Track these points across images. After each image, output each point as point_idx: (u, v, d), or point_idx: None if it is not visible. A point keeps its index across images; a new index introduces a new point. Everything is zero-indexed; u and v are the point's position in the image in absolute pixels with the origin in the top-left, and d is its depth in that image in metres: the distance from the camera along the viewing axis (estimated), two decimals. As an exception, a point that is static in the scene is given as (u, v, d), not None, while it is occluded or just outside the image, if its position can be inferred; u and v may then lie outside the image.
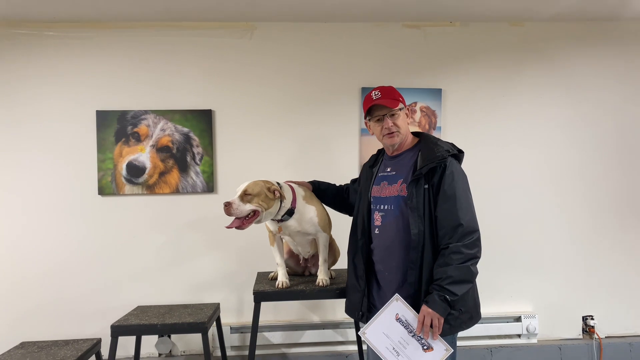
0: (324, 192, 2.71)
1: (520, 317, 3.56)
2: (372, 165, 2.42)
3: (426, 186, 2.09)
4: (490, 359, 3.51)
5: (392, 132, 2.21)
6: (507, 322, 3.57)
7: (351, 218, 2.48)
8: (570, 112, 3.60)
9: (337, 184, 2.78)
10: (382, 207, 2.23)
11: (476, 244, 2.05)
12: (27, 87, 3.32)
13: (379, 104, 2.21)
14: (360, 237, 2.30)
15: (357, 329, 3.05)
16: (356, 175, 3.45)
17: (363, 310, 2.27)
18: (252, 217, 2.36)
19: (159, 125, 3.36)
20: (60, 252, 3.35)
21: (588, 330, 3.62)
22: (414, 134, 2.34)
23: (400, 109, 2.22)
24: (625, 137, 3.64)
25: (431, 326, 2.00)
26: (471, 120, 3.55)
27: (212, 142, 3.41)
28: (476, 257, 2.05)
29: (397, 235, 2.16)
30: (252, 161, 3.44)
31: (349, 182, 2.76)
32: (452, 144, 2.22)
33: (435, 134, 3.48)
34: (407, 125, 2.27)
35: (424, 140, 2.25)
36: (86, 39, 3.35)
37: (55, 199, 3.34)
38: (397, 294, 2.09)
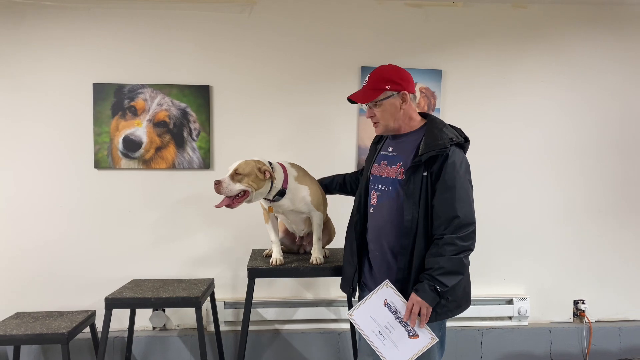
0: (327, 187, 2.71)
1: (512, 299, 3.59)
2: (377, 142, 2.38)
3: (425, 173, 2.05)
4: (481, 340, 3.56)
5: (374, 123, 2.21)
6: (499, 304, 3.60)
7: (352, 197, 2.49)
8: (571, 96, 3.58)
9: (343, 174, 2.75)
10: (379, 186, 2.21)
11: (471, 236, 2.03)
12: (22, 58, 3.27)
13: (350, 99, 2.21)
14: (356, 213, 2.31)
15: (350, 306, 3.07)
16: (353, 153, 3.47)
17: (354, 285, 2.29)
18: (241, 196, 2.36)
19: (156, 100, 3.34)
20: (56, 224, 3.35)
21: (579, 314, 3.66)
22: (422, 115, 2.26)
23: (385, 98, 2.14)
24: (624, 122, 3.62)
25: (419, 314, 2.01)
26: (471, 102, 3.53)
27: (209, 118, 3.39)
28: (469, 249, 2.04)
29: (390, 217, 2.15)
30: (249, 138, 3.43)
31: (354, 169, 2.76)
32: (460, 131, 2.17)
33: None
34: (397, 111, 2.15)
35: (430, 125, 2.17)
36: (84, 9, 3.30)
37: (50, 172, 3.33)
38: (387, 280, 2.09)
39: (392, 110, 2.16)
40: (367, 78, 2.20)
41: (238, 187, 2.33)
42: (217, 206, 2.36)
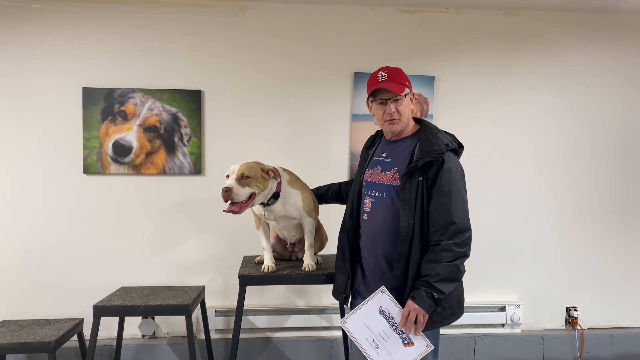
0: (323, 196, 2.69)
1: (504, 306, 3.58)
2: (369, 147, 2.36)
3: (420, 179, 2.03)
4: (473, 348, 3.54)
5: (393, 119, 2.14)
6: (492, 311, 3.59)
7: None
8: (562, 103, 3.59)
9: (338, 182, 2.73)
10: (373, 192, 2.19)
11: (467, 242, 2.02)
12: (11, 61, 3.23)
13: (383, 88, 2.12)
14: (349, 219, 2.27)
15: (342, 314, 3.05)
16: (345, 159, 3.46)
17: (346, 293, 2.26)
18: (248, 200, 2.30)
19: (146, 105, 3.30)
20: (43, 230, 3.29)
21: (571, 321, 3.65)
22: (416, 120, 2.25)
23: (405, 95, 2.14)
24: (614, 129, 3.64)
25: (415, 322, 1.99)
26: (463, 108, 3.53)
27: (201, 123, 3.35)
28: (465, 255, 2.02)
29: (385, 224, 2.12)
30: (240, 143, 3.40)
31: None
32: (453, 137, 2.15)
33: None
34: (410, 111, 2.18)
35: (424, 130, 2.16)
36: (74, 12, 3.26)
37: (38, 176, 3.27)
38: (383, 286, 2.06)
39: (407, 109, 2.17)
40: (384, 74, 2.14)
41: (247, 191, 2.27)
42: (227, 211, 2.26)
